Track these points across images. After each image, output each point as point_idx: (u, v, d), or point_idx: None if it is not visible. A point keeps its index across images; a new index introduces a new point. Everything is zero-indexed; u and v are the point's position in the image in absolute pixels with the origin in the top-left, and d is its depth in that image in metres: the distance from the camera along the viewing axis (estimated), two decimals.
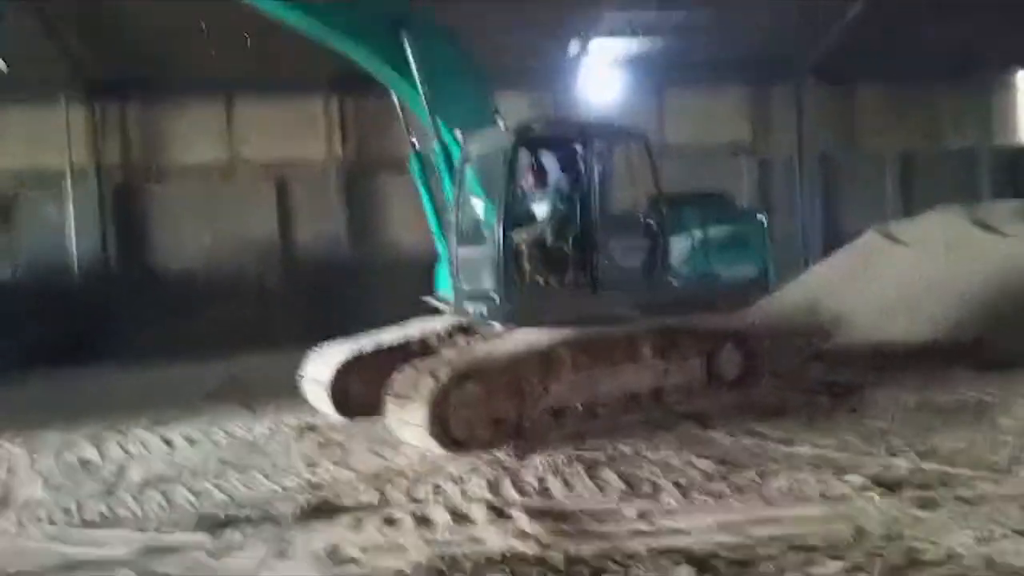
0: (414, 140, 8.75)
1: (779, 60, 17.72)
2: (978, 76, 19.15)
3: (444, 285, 8.14)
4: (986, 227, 13.42)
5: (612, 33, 16.20)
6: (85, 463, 6.79)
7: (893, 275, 12.25)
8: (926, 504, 4.61)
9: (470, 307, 7.55)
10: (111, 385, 11.38)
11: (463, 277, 7.58)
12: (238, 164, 16.48)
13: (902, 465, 5.39)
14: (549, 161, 7.85)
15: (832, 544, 4.06)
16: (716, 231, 8.31)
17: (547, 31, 15.67)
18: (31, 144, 15.33)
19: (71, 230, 15.35)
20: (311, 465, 6.27)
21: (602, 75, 17.11)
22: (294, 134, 16.52)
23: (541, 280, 7.26)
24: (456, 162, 7.80)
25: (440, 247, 8.41)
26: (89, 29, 14.24)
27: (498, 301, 7.13)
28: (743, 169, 18.30)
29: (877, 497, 4.75)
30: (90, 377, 12.14)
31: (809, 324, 12.12)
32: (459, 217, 7.74)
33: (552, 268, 7.32)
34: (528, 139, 7.42)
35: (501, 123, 7.97)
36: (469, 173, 7.73)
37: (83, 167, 15.52)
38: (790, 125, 18.32)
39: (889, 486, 4.94)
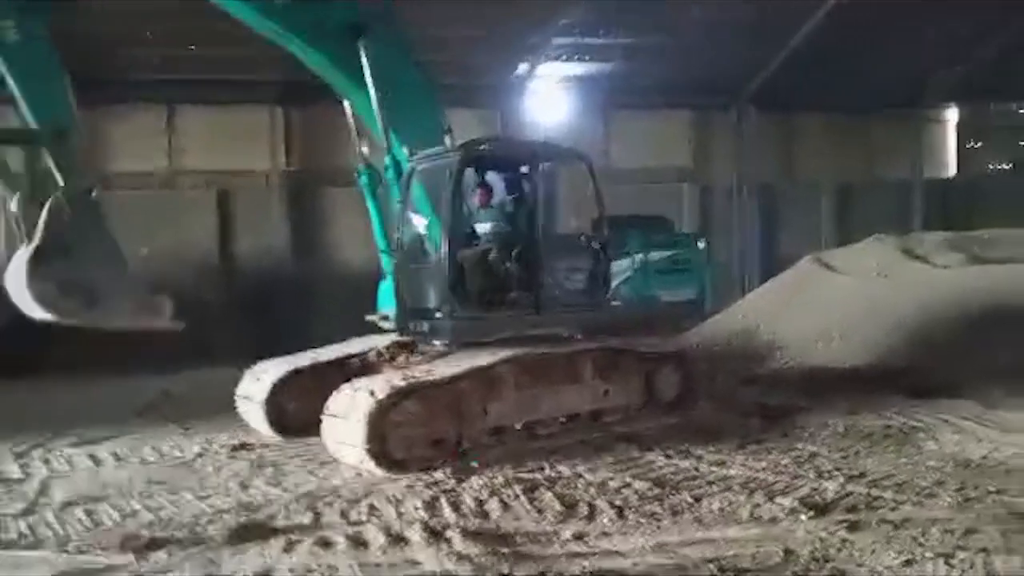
0: (364, 150, 8.64)
1: (722, 88, 18.20)
2: (912, 110, 19.96)
3: (387, 302, 8.08)
4: (917, 257, 13.95)
5: (560, 57, 16.44)
6: (5, 480, 6.51)
7: (827, 301, 12.59)
8: (853, 526, 4.73)
9: (414, 325, 7.52)
10: (39, 400, 10.93)
11: (408, 294, 7.55)
12: (179, 174, 16.16)
13: (830, 488, 5.52)
14: (495, 180, 7.89)
15: (762, 565, 4.14)
16: (656, 254, 8.46)
17: (496, 50, 15.82)
18: None
19: (0, 237, 14.83)
20: (243, 485, 6.13)
21: (549, 96, 17.32)
22: (238, 145, 16.27)
23: (486, 299, 7.28)
24: (403, 177, 7.79)
25: (385, 263, 8.35)
26: None
27: (443, 319, 7.12)
28: (685, 194, 18.68)
29: (805, 519, 4.86)
30: (18, 391, 11.66)
31: (746, 348, 12.38)
32: (403, 233, 7.72)
33: (497, 287, 7.36)
34: (475, 157, 7.45)
35: (449, 140, 7.98)
36: (416, 189, 7.72)
37: (17, 172, 15.00)
38: (731, 152, 18.77)
39: (818, 508, 5.06)
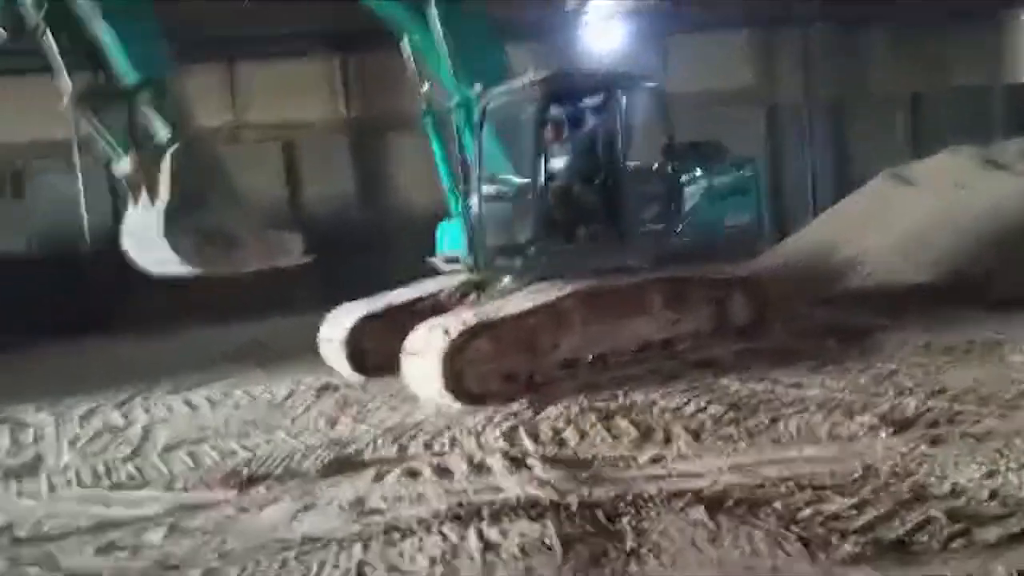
0: (426, 89, 8.51)
1: (784, 3, 17.45)
2: (988, 14, 18.81)
3: (454, 243, 8.18)
4: (997, 166, 13.35)
5: None
6: (110, 428, 6.96)
7: (904, 216, 12.20)
8: (934, 441, 4.70)
9: (499, 261, 7.62)
10: (132, 353, 11.57)
11: (490, 232, 7.60)
12: (243, 128, 16.48)
13: (911, 404, 5.46)
14: (572, 112, 7.87)
15: (840, 482, 4.16)
16: (716, 180, 8.34)
17: None
18: (35, 115, 15.35)
19: (81, 201, 15.45)
20: (331, 423, 6.43)
21: (602, 26, 16.88)
22: (298, 96, 16.44)
23: (574, 231, 7.36)
24: (475, 116, 7.78)
25: (453, 204, 8.42)
26: None
27: (534, 253, 7.22)
28: (750, 116, 18.14)
29: (885, 436, 4.84)
30: (111, 346, 12.35)
31: (822, 268, 12.15)
32: (481, 172, 7.74)
33: (584, 219, 7.43)
34: (556, 90, 7.40)
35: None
36: (489, 128, 7.74)
37: (86, 136, 15.51)
38: (797, 70, 18.08)
39: (898, 425, 5.03)
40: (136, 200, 6.51)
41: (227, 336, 11.88)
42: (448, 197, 8.53)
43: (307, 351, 8.56)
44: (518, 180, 7.64)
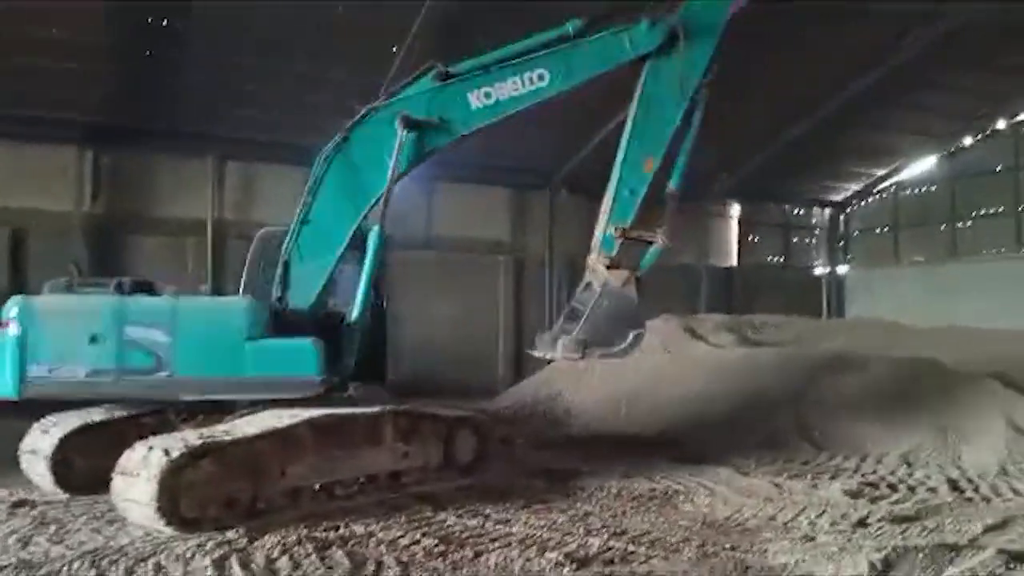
0: None
1: (538, 170, 19.59)
2: (700, 204, 22.30)
3: None
4: (697, 336, 15.57)
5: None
6: None
7: (619, 373, 13.74)
8: None
9: None
10: None
11: None
12: None
13: (595, 543, 6.19)
14: None
15: None
16: None
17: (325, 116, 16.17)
18: None
19: None
20: (24, 542, 5.96)
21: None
22: (39, 183, 15.42)
23: None
24: None
25: None
26: None
27: None
28: (500, 265, 19.73)
29: (568, 572, 5.48)
30: None
31: (544, 414, 13.26)
32: None
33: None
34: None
35: None
36: None
37: None
38: (543, 228, 20.11)
39: (580, 561, 5.71)
40: None
41: None
42: None
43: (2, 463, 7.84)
44: None
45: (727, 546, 6.28)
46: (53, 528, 6.41)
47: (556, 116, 17.14)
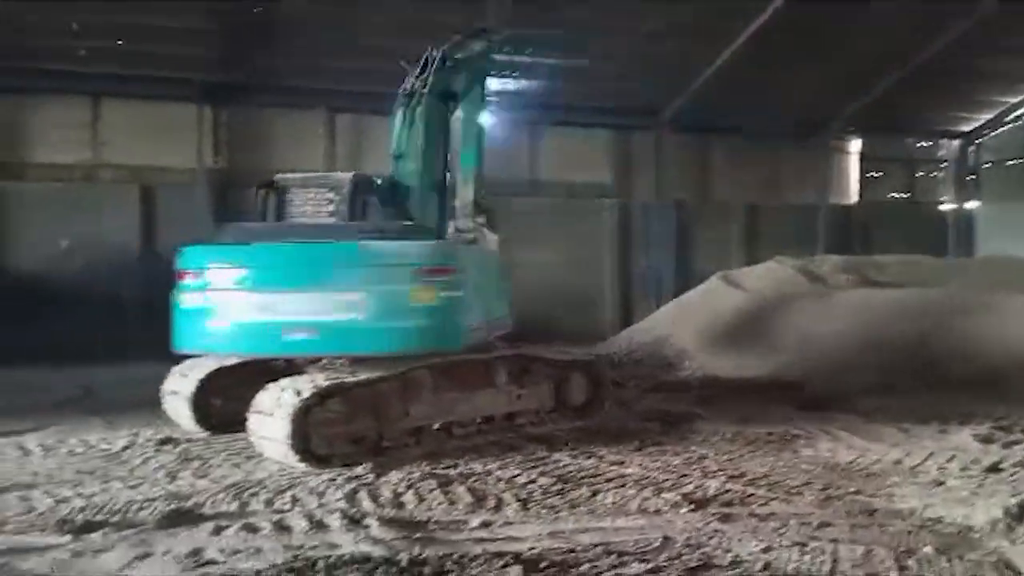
0: None
1: (642, 110, 19.12)
2: (818, 139, 21.31)
3: None
4: (815, 277, 15.05)
5: (491, 74, 16.95)
6: None
7: (731, 317, 13.51)
8: (725, 518, 5.37)
9: None
10: None
11: None
12: (101, 167, 16.05)
13: (712, 485, 6.17)
14: None
15: (642, 549, 4.72)
16: None
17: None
18: None
19: None
20: (171, 476, 6.45)
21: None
22: (163, 140, 16.23)
23: None
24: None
25: None
26: None
27: None
28: (606, 208, 19.52)
29: (685, 511, 5.50)
30: None
31: (656, 357, 13.18)
32: None
33: None
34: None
35: None
36: None
37: None
38: (649, 171, 19.69)
39: (698, 503, 5.70)
40: None
41: (57, 381, 11.41)
42: None
43: (143, 402, 8.43)
44: None
45: (851, 489, 6.13)
46: (196, 464, 6.90)
47: (660, 54, 16.77)
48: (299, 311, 6.93)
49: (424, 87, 8.33)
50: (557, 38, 15.77)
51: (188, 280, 7.21)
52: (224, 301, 7.09)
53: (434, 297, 7.00)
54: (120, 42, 14.65)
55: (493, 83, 17.36)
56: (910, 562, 4.55)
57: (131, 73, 15.39)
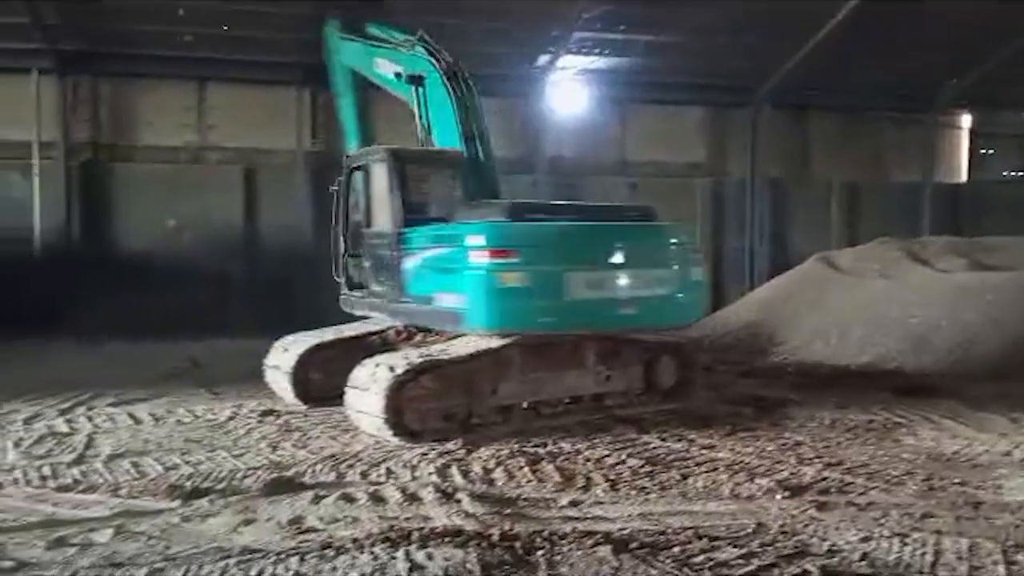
0: None
1: (738, 86, 18.58)
2: (924, 114, 20.27)
3: None
4: (920, 260, 14.36)
5: (581, 50, 16.84)
6: (54, 433, 7.16)
7: (829, 300, 13.07)
8: (822, 507, 5.23)
9: None
10: (71, 360, 11.63)
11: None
12: (207, 149, 16.72)
13: (808, 472, 6.02)
14: None
15: (734, 535, 4.65)
16: None
17: (518, 43, 16.26)
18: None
19: (36, 203, 15.43)
20: (273, 446, 6.74)
21: (569, 87, 17.68)
22: (265, 123, 16.77)
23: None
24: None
25: None
26: (65, 1, 14.35)
27: None
28: (697, 188, 19.10)
29: (780, 498, 5.38)
30: (49, 351, 12.37)
31: (749, 341, 12.88)
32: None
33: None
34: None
35: None
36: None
37: (51, 141, 15.47)
38: (744, 149, 19.15)
39: (794, 490, 5.57)
40: None
41: (164, 353, 12.03)
42: None
43: (246, 375, 8.78)
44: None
45: (956, 480, 5.87)
46: (296, 435, 7.19)
47: (756, 29, 16.22)
48: (628, 288, 7.52)
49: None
50: (648, 15, 15.51)
51: (507, 259, 7.00)
52: (554, 280, 7.14)
53: (702, 272, 8.38)
54: (225, 28, 15.19)
55: (583, 60, 17.36)
56: (1019, 556, 4.35)
57: (234, 58, 15.91)
